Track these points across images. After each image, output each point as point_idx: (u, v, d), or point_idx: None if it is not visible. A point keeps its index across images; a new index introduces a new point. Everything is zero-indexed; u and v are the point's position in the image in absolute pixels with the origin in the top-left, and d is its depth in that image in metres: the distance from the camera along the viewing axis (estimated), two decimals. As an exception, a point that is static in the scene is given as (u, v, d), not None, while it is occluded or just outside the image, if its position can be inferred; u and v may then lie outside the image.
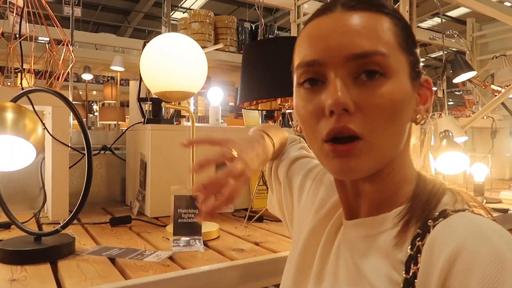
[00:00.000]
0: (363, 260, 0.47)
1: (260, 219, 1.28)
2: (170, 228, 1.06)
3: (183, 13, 10.78)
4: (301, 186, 0.68)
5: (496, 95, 2.47)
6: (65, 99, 0.87)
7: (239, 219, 1.33)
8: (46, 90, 0.88)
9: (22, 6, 1.24)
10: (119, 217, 1.23)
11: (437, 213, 0.42)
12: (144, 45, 1.32)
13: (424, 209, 0.44)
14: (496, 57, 2.93)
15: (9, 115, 0.86)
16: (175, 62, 0.95)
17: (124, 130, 1.61)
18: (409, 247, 0.41)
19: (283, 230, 1.17)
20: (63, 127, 1.26)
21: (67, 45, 1.32)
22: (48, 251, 0.86)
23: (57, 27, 1.30)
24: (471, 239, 0.36)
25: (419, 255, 0.40)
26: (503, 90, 2.37)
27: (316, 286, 0.54)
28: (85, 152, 0.88)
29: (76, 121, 0.86)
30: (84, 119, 5.08)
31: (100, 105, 6.40)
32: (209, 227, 1.09)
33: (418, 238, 0.41)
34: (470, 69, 2.35)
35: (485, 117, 2.59)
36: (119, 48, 5.07)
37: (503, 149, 2.64)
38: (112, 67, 4.33)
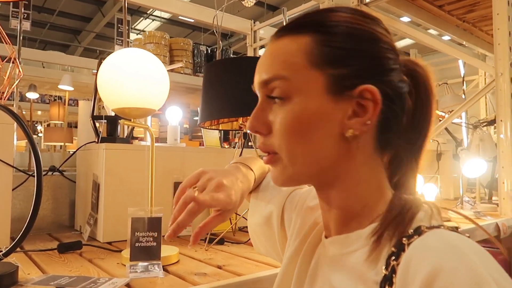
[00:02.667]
0: (337, 280, 0.46)
1: (221, 242, 1.23)
2: (126, 253, 0.99)
3: (137, 34, 10.67)
4: (289, 223, 0.65)
5: (440, 120, 2.63)
6: (13, 114, 0.80)
7: (199, 242, 1.28)
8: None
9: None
10: (68, 242, 1.13)
11: (412, 230, 0.40)
12: (100, 62, 1.27)
13: (397, 225, 0.42)
14: (439, 85, 3.14)
15: None
16: (135, 77, 0.92)
17: (75, 150, 1.51)
18: (384, 266, 0.40)
19: (245, 252, 1.13)
20: (7, 146, 1.16)
21: (14, 59, 1.24)
22: (-13, 282, 0.77)
23: (6, 42, 1.21)
24: (447, 259, 0.35)
25: (394, 275, 0.38)
26: (446, 116, 2.53)
27: None
28: (35, 171, 0.81)
29: (17, 142, 0.80)
30: (27, 141, 4.78)
31: (46, 126, 6.06)
32: (168, 251, 1.03)
33: (393, 257, 0.39)
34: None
35: (431, 141, 2.74)
36: (68, 67, 4.88)
37: (447, 171, 2.80)
38: (61, 86, 4.14)
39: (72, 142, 5.04)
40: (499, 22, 1.81)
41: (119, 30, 2.14)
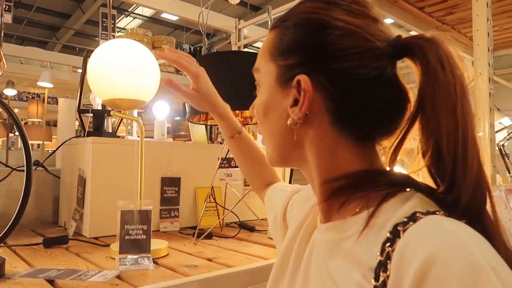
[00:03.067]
0: (333, 265, 0.46)
1: (210, 236, 1.23)
2: (115, 246, 0.98)
3: (117, 32, 10.51)
4: (290, 219, 0.69)
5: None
6: (3, 105, 0.78)
7: (187, 237, 1.27)
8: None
9: None
10: (54, 237, 1.11)
11: (407, 216, 0.39)
12: (87, 56, 1.25)
13: (393, 211, 0.42)
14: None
15: None
16: (126, 67, 0.91)
17: (59, 145, 1.48)
18: (379, 252, 0.39)
19: (235, 246, 1.14)
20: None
21: (-4, 51, 1.21)
22: (-27, 275, 0.75)
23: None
24: (443, 246, 0.34)
25: (388, 261, 0.37)
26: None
27: (289, 284, 0.54)
28: (24, 165, 0.79)
29: None
30: (5, 139, 4.64)
31: (23, 124, 5.90)
32: (157, 245, 1.03)
33: (388, 244, 0.38)
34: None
35: (412, 139, 2.79)
36: (47, 63, 4.77)
37: (427, 169, 2.86)
38: (40, 83, 4.04)
39: (51, 141, 4.93)
40: (479, 23, 1.86)
41: (104, 24, 2.10)
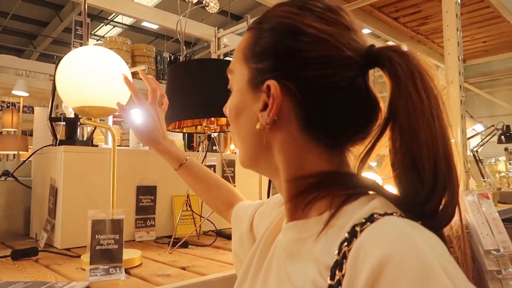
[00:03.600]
0: (291, 263, 0.47)
1: (185, 245, 1.22)
2: (86, 257, 0.96)
3: (96, 41, 10.40)
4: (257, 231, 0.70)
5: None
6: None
7: (162, 246, 1.26)
8: None
9: None
10: (23, 249, 1.08)
11: (365, 217, 0.40)
12: (59, 62, 1.23)
13: (354, 212, 0.43)
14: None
15: None
16: (97, 74, 0.89)
17: (32, 153, 1.45)
18: (336, 252, 0.39)
19: (210, 254, 1.13)
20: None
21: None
22: None
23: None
24: (396, 248, 0.34)
25: (344, 260, 0.38)
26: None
27: (251, 283, 0.55)
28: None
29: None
30: (-23, 149, 4.51)
31: (-2, 134, 5.74)
32: (130, 254, 1.01)
33: (345, 243, 0.39)
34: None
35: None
36: (23, 71, 4.67)
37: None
38: (14, 92, 3.95)
39: (27, 151, 4.81)
40: (449, 33, 1.92)
41: (77, 32, 2.07)
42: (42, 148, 1.38)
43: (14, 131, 5.14)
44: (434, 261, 0.33)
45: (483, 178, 3.16)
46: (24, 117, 4.84)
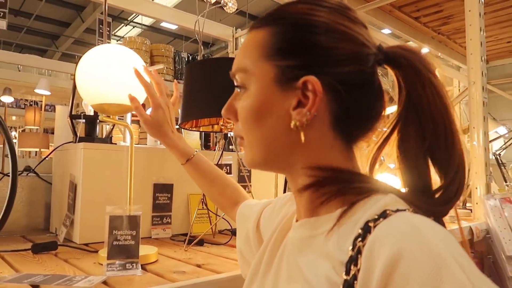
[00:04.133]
0: (303, 260, 0.47)
1: (201, 243, 1.23)
2: (103, 252, 0.98)
3: (117, 41, 10.58)
4: (264, 231, 0.69)
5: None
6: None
7: (178, 243, 1.27)
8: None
9: None
10: (43, 243, 1.10)
11: (378, 214, 0.41)
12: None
13: (366, 209, 0.43)
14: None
15: None
16: (116, 72, 0.91)
17: (52, 150, 1.48)
18: (350, 247, 0.40)
19: (225, 253, 1.13)
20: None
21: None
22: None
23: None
24: (409, 242, 0.35)
25: (359, 255, 0.38)
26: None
27: (261, 281, 0.55)
28: (10, 169, 0.79)
29: None
30: (1, 145, 4.65)
31: (20, 131, 5.90)
32: (146, 250, 1.02)
33: (359, 239, 0.40)
34: (394, 103, 2.55)
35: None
36: (45, 70, 4.78)
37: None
38: (37, 91, 4.06)
39: (48, 148, 4.92)
40: (472, 33, 1.88)
41: (100, 31, 2.12)
42: (62, 145, 1.41)
43: (36, 129, 5.27)
44: (447, 254, 0.34)
45: (506, 182, 3.08)
46: (46, 115, 4.96)
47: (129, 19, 9.50)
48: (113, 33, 10.31)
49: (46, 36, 10.34)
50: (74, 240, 1.24)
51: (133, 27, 10.11)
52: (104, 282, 0.82)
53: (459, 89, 3.93)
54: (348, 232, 0.42)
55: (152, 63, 4.57)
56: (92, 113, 1.36)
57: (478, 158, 1.92)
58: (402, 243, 0.35)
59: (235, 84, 0.52)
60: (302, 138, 0.47)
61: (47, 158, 1.59)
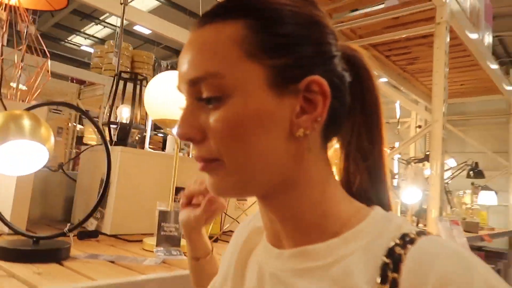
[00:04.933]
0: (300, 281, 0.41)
1: (216, 240, 1.44)
2: (149, 240, 1.17)
3: (85, 39, 10.44)
4: None
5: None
6: (83, 113, 0.97)
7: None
8: (66, 104, 0.97)
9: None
10: (87, 231, 1.27)
11: (399, 238, 0.38)
12: (141, 83, 1.45)
13: (371, 231, 0.41)
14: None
15: (26, 122, 0.93)
16: (176, 94, 1.13)
17: (82, 150, 1.64)
18: (379, 279, 0.37)
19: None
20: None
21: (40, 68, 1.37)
22: (51, 253, 0.92)
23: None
24: (455, 266, 0.35)
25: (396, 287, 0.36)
26: (388, 151, 2.96)
27: None
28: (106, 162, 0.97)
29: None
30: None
31: None
32: (183, 242, 1.22)
33: (389, 270, 0.37)
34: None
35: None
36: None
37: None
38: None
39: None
40: (437, 79, 2.25)
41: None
42: (91, 146, 1.57)
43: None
44: (497, 283, 0.35)
45: (451, 207, 3.52)
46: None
47: (101, 18, 9.42)
48: (82, 30, 10.17)
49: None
50: (104, 231, 1.41)
51: (104, 27, 10.02)
52: (163, 261, 1.02)
53: (416, 121, 4.41)
54: (365, 260, 0.39)
55: (132, 68, 4.70)
56: (124, 121, 1.54)
57: (435, 185, 2.28)
58: (448, 268, 0.35)
59: (200, 95, 0.41)
60: (308, 148, 0.42)
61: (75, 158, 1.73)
